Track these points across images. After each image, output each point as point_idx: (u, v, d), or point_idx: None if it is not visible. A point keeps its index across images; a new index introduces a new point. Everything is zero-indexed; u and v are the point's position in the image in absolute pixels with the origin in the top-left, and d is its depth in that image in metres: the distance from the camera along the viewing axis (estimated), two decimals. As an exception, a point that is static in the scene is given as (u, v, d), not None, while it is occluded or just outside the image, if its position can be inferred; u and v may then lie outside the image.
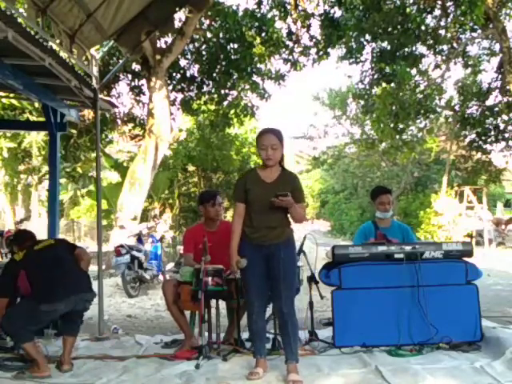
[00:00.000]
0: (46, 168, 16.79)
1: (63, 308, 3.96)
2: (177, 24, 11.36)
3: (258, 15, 12.92)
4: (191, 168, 21.12)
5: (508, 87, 15.31)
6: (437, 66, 16.35)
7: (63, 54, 5.52)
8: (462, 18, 12.78)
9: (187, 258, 4.74)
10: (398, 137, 16.91)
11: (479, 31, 15.26)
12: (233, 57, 13.27)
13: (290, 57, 13.95)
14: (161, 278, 9.47)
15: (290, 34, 13.66)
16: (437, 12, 14.20)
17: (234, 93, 14.60)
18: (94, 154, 14.51)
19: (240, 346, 4.32)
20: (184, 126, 20.21)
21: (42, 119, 8.76)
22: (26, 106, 13.08)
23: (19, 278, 4.05)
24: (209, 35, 13.40)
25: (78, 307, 4.09)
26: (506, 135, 17.68)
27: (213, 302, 4.55)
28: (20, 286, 4.08)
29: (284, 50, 13.72)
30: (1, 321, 3.95)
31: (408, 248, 4.52)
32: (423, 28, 13.97)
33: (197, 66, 14.10)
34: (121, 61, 10.00)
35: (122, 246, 9.01)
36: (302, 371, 3.68)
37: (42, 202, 21.18)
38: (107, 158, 17.66)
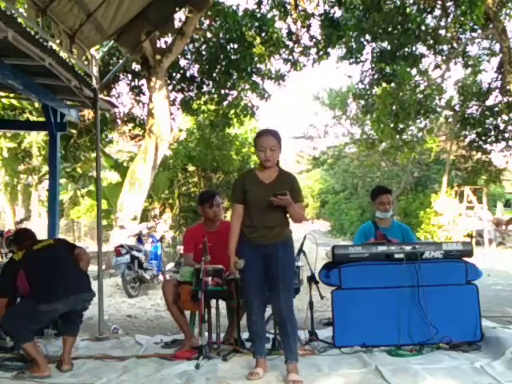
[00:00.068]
0: (46, 168, 16.80)
1: (62, 308, 3.95)
2: (177, 24, 11.36)
3: (258, 15, 12.92)
4: (191, 168, 21.13)
5: (508, 87, 15.31)
6: (437, 66, 16.35)
7: (63, 54, 5.52)
8: (462, 18, 12.79)
9: (187, 257, 4.74)
10: (398, 137, 16.90)
11: (479, 31, 15.25)
12: (233, 57, 13.27)
13: (290, 57, 13.95)
14: (161, 277, 9.47)
15: (290, 33, 13.66)
16: (437, 12, 14.22)
17: (234, 93, 14.60)
18: (93, 154, 14.52)
19: (240, 346, 4.32)
20: (184, 126, 20.22)
21: (42, 119, 8.76)
22: (26, 106, 13.08)
23: (18, 278, 4.05)
24: (209, 35, 13.40)
25: (78, 307, 4.10)
26: (506, 135, 17.69)
27: (213, 302, 4.55)
28: (19, 286, 4.08)
29: (284, 50, 13.72)
30: (0, 321, 3.95)
31: (408, 248, 4.52)
32: (423, 28, 13.96)
33: (197, 66, 14.11)
34: (121, 61, 10.00)
35: (121, 245, 9.01)
36: (302, 371, 3.68)
37: (42, 202, 21.18)
38: (107, 158, 17.66)
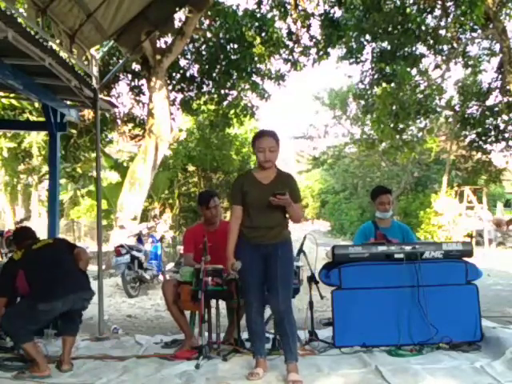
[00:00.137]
0: (45, 168, 16.79)
1: (61, 307, 3.95)
2: (177, 24, 11.35)
3: (258, 15, 12.92)
4: (191, 168, 21.12)
5: (508, 87, 15.32)
6: (437, 66, 16.34)
7: (63, 54, 5.52)
8: (462, 18, 12.80)
9: (187, 258, 4.74)
10: (398, 137, 16.89)
11: (479, 31, 15.25)
12: (233, 57, 13.27)
13: (290, 57, 13.95)
14: (161, 277, 9.47)
15: (290, 33, 13.66)
16: (437, 12, 14.21)
17: (234, 93, 14.60)
18: (93, 154, 14.51)
19: (240, 346, 4.33)
20: (184, 126, 20.21)
21: (42, 119, 8.76)
22: (26, 106, 13.07)
23: (18, 278, 4.05)
24: (209, 35, 13.40)
25: (77, 306, 4.09)
26: (506, 135, 17.69)
27: (213, 302, 4.55)
28: (18, 287, 4.08)
29: (284, 50, 13.72)
30: (0, 321, 3.95)
31: (408, 248, 4.52)
32: (423, 28, 13.96)
33: (197, 66, 14.10)
34: (121, 61, 10.00)
35: (122, 245, 9.01)
36: (302, 371, 3.68)
37: (42, 202, 21.16)
38: (107, 158, 17.65)
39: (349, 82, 25.45)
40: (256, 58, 13.28)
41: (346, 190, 33.40)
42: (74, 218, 24.22)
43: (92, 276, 4.46)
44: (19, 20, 4.28)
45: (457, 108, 18.92)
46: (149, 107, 12.23)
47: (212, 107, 15.17)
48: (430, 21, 14.41)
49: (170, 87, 13.67)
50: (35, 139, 16.21)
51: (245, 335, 4.41)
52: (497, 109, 17.05)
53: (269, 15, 13.06)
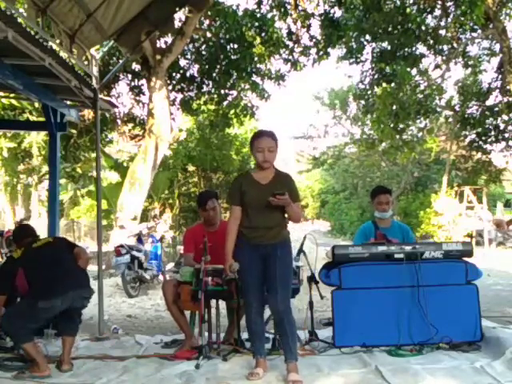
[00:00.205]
0: (46, 168, 16.79)
1: (60, 305, 3.94)
2: (177, 24, 11.35)
3: (258, 15, 12.92)
4: (191, 168, 21.13)
5: (508, 87, 15.32)
6: (437, 66, 16.34)
7: (63, 54, 5.53)
8: (462, 18, 12.80)
9: (187, 258, 4.74)
10: (398, 137, 16.90)
11: (479, 31, 15.26)
12: (233, 57, 13.27)
13: (290, 57, 13.95)
14: (161, 277, 9.47)
15: (290, 33, 13.66)
16: (437, 12, 14.22)
17: (234, 93, 14.60)
18: (93, 154, 14.52)
19: (240, 346, 4.33)
20: (184, 126, 20.22)
21: (42, 119, 8.76)
22: (26, 106, 13.07)
23: (17, 277, 4.05)
24: (209, 35, 13.40)
25: (76, 304, 4.09)
26: (506, 135, 17.69)
27: (213, 302, 4.55)
28: (18, 286, 4.08)
29: (284, 50, 13.72)
30: (0, 320, 3.95)
31: (408, 248, 4.52)
32: (423, 28, 13.96)
33: (197, 66, 14.11)
34: (121, 61, 10.01)
35: (122, 245, 9.01)
36: (302, 371, 3.68)
37: (42, 202, 21.17)
38: (107, 158, 17.66)
39: (349, 82, 25.49)
40: (256, 58, 13.28)
41: (346, 190, 33.41)
42: (73, 217, 24.23)
43: (92, 276, 4.46)
44: (19, 20, 4.28)
45: (457, 108, 18.93)
46: (149, 107, 12.24)
47: (212, 107, 15.17)
48: (430, 21, 14.44)
49: (170, 87, 13.67)
50: (35, 139, 16.22)
51: (245, 335, 4.41)
52: (497, 109, 17.06)
53: (269, 15, 13.06)
